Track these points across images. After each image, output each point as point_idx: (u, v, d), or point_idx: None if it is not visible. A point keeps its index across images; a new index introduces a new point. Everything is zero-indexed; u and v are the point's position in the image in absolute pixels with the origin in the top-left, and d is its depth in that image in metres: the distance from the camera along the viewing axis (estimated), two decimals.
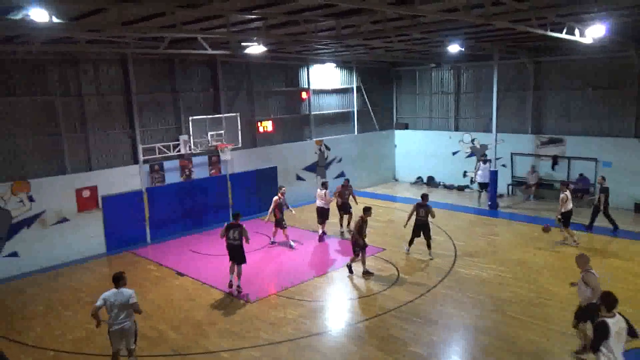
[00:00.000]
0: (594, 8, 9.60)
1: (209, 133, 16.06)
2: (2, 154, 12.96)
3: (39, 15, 7.76)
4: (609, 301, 6.11)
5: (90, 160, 14.50)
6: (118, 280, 7.97)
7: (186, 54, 15.41)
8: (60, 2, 7.77)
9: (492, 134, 18.80)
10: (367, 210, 12.15)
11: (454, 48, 15.05)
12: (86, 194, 14.31)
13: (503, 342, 8.82)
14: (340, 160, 21.84)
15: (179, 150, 15.98)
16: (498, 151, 19.05)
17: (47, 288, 12.15)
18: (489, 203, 18.56)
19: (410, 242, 13.54)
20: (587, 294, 7.88)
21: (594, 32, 11.40)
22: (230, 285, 11.43)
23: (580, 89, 18.55)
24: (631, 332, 6.14)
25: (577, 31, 11.91)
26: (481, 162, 19.73)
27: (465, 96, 22.10)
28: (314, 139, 20.76)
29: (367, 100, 22.83)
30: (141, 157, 15.33)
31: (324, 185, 15.72)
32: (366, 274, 12.10)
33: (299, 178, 20.02)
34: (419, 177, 23.61)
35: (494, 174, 18.61)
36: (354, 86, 22.25)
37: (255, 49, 13.34)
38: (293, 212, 14.90)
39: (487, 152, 20.76)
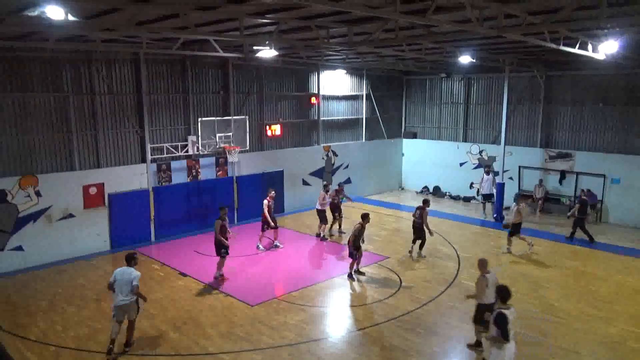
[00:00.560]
0: (608, 24, 9.56)
1: (218, 135, 16.13)
2: (13, 148, 13.07)
3: (55, 12, 7.83)
4: (503, 295, 7.05)
5: (98, 157, 14.59)
6: (129, 259, 8.79)
7: (198, 55, 15.51)
8: (77, 0, 7.84)
9: (501, 146, 18.75)
10: (365, 217, 12.36)
11: (465, 59, 15.03)
12: (93, 191, 14.39)
13: None
14: (347, 167, 21.85)
15: (187, 151, 16.06)
16: (506, 164, 18.99)
17: (51, 283, 12.20)
18: (495, 215, 18.47)
19: (414, 241, 14.05)
20: (482, 295, 8.67)
21: (607, 48, 11.35)
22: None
23: (592, 105, 18.47)
24: None
25: (590, 46, 11.88)
26: (485, 174, 19.69)
27: (474, 107, 22.06)
28: (322, 145, 20.77)
29: (376, 107, 22.84)
30: (149, 156, 15.41)
31: (325, 188, 15.96)
32: (358, 272, 12.49)
33: (305, 183, 20.03)
34: (425, 187, 23.56)
35: (500, 186, 18.53)
36: (364, 93, 22.27)
37: (267, 52, 13.37)
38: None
39: (494, 164, 20.69)
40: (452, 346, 9.26)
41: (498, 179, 19.08)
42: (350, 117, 22.02)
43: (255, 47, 14.18)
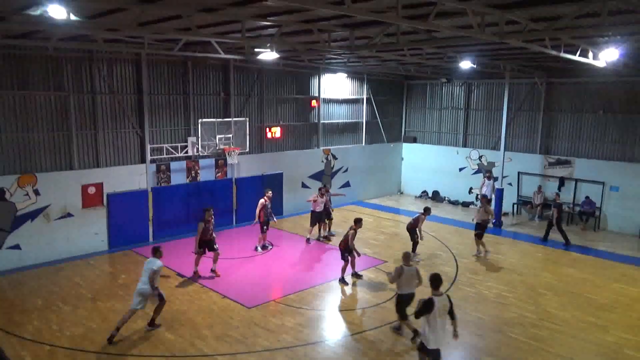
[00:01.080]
0: (609, 32, 9.59)
1: (218, 136, 16.14)
2: (13, 146, 13.06)
3: (57, 12, 7.84)
4: (435, 282, 7.41)
5: (98, 157, 14.58)
6: (154, 251, 9.77)
7: (200, 57, 15.51)
8: (82, 0, 7.85)
9: (500, 152, 18.77)
10: (358, 222, 12.41)
11: (466, 64, 15.07)
12: (92, 190, 14.37)
13: None
14: (346, 170, 21.85)
15: (186, 152, 16.05)
16: (505, 169, 19.00)
17: (47, 282, 12.17)
18: (494, 221, 18.45)
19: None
20: (398, 285, 9.49)
21: (608, 55, 11.38)
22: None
23: (592, 112, 18.50)
24: (450, 313, 7.43)
25: (590, 54, 11.91)
26: (486, 179, 19.71)
27: (475, 113, 22.09)
28: (322, 148, 20.78)
29: (376, 111, 22.87)
30: (149, 157, 15.40)
31: (320, 190, 16.07)
32: (355, 275, 12.62)
33: (304, 185, 20.02)
34: (424, 191, 23.56)
35: (499, 192, 18.54)
36: (364, 97, 22.30)
37: (268, 55, 13.37)
38: (275, 221, 15.07)
39: (494, 169, 20.72)
40: (450, 351, 9.23)
41: (497, 185, 19.10)
42: (350, 120, 22.04)
43: (256, 50, 14.20)
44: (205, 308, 10.79)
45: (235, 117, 17.05)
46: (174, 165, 16.10)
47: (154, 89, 15.51)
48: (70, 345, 9.08)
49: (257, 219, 14.52)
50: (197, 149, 15.99)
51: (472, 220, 15.26)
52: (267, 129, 18.59)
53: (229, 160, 16.69)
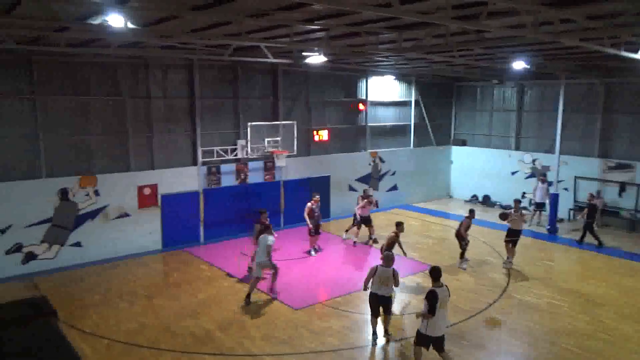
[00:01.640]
0: None
1: (266, 139, 16.41)
2: (75, 149, 13.81)
3: (116, 20, 8.25)
4: (434, 274, 7.95)
5: (153, 159, 15.16)
6: (266, 229, 11.43)
7: (249, 61, 15.86)
8: (138, 9, 8.22)
9: (555, 156, 18.05)
10: (398, 225, 12.30)
11: (518, 65, 14.60)
12: (147, 191, 14.96)
13: None
14: (394, 174, 21.66)
15: (236, 155, 16.42)
16: (561, 174, 18.26)
17: (105, 278, 12.76)
18: (548, 227, 17.78)
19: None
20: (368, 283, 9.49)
21: None
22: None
23: None
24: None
25: None
26: (540, 182, 19.02)
27: (528, 115, 21.37)
28: (369, 151, 20.71)
29: (425, 114, 22.55)
30: (200, 159, 15.87)
31: (365, 192, 16.33)
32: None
33: (351, 189, 20.00)
34: (474, 195, 22.99)
35: (554, 197, 17.82)
36: (412, 99, 22.05)
37: (316, 59, 13.52)
38: (320, 224, 15.01)
39: (548, 173, 19.96)
40: None
41: (552, 190, 18.37)
42: (398, 123, 21.84)
43: (304, 53, 14.36)
44: (253, 308, 10.98)
45: (283, 121, 17.28)
46: (224, 167, 16.51)
47: (205, 93, 15.98)
48: (126, 340, 9.49)
49: (308, 224, 14.56)
50: (246, 151, 16.33)
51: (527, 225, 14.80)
52: (315, 132, 18.73)
53: (277, 163, 16.92)
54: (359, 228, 15.90)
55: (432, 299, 7.76)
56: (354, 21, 9.65)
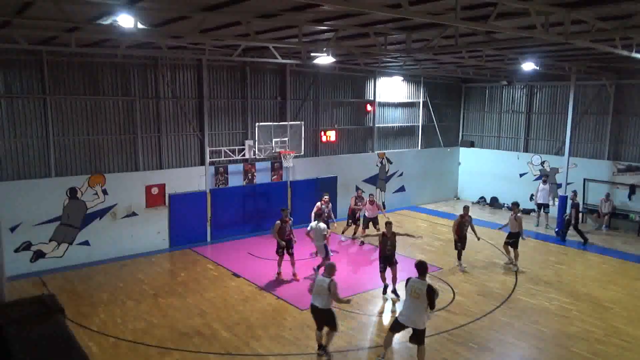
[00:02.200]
0: None
1: (274, 139, 16.42)
2: (84, 148, 13.89)
3: (126, 21, 8.29)
4: (419, 268, 8.17)
5: (161, 159, 15.22)
6: (317, 216, 13.59)
7: (257, 62, 15.89)
8: (148, 9, 8.25)
9: (565, 158, 17.91)
10: (387, 225, 11.80)
11: (528, 66, 14.50)
12: (155, 191, 15.02)
13: None
14: (401, 175, 21.60)
15: (243, 155, 16.45)
16: (570, 176, 18.10)
17: (113, 277, 12.82)
18: (557, 230, 17.63)
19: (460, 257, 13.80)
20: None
21: None
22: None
23: None
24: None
25: None
26: (541, 182, 18.91)
27: (537, 116, 21.23)
28: (377, 152, 20.67)
29: (433, 115, 22.47)
30: (208, 159, 15.91)
31: (369, 197, 16.38)
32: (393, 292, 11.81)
33: (358, 189, 19.92)
34: (482, 197, 22.88)
35: (563, 200, 17.67)
36: (421, 100, 21.98)
37: (324, 59, 13.51)
38: (335, 225, 14.98)
39: (557, 175, 19.85)
40: None
41: (561, 192, 18.22)
42: (406, 124, 21.78)
43: (312, 54, 14.36)
44: (260, 309, 10.98)
45: (291, 121, 17.29)
46: (231, 167, 16.54)
47: (214, 94, 16.02)
48: (133, 339, 9.52)
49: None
50: (254, 152, 16.35)
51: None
52: (322, 133, 18.72)
53: (285, 164, 16.94)
54: (364, 228, 15.91)
55: (431, 292, 7.96)
56: (363, 22, 9.63)
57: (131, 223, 14.67)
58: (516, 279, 13.03)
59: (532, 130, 21.42)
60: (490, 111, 22.86)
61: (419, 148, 22.32)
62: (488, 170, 22.62)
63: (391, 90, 20.90)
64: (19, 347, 6.88)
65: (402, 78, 21.03)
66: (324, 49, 12.77)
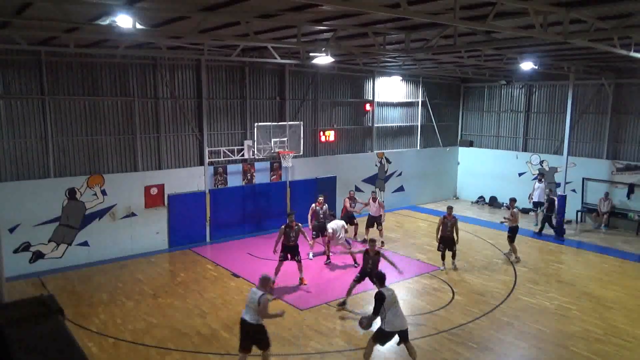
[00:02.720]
0: None
1: (273, 140, 16.40)
2: (83, 149, 13.87)
3: (124, 21, 8.27)
4: (381, 280, 8.50)
5: (160, 159, 15.21)
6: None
7: (256, 62, 15.89)
8: (146, 10, 8.24)
9: (563, 157, 17.93)
10: (370, 242, 11.18)
11: (527, 65, 14.53)
12: (154, 191, 15.00)
13: None
14: (400, 174, 21.60)
15: (242, 155, 16.45)
16: (569, 175, 18.13)
17: (112, 278, 12.81)
18: (556, 229, 17.63)
19: (453, 255, 13.61)
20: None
21: None
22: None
23: None
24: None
25: None
26: (537, 181, 18.93)
27: (536, 116, 21.24)
28: (376, 151, 20.67)
29: (432, 115, 22.48)
30: (207, 160, 15.90)
31: (372, 195, 16.24)
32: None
33: (357, 189, 19.95)
34: (481, 197, 22.89)
35: (562, 200, 17.69)
36: (420, 100, 21.99)
37: (323, 59, 13.52)
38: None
39: (556, 175, 19.87)
40: None
41: (559, 191, 18.25)
42: (405, 124, 21.79)
43: (311, 54, 14.36)
44: None
45: (290, 121, 17.29)
46: (230, 167, 16.53)
47: (213, 94, 16.01)
48: (133, 339, 9.51)
49: (309, 225, 14.54)
50: (253, 152, 16.35)
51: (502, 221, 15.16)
52: (321, 133, 18.72)
53: (284, 164, 16.93)
54: (369, 227, 15.93)
55: (378, 300, 8.20)
56: (362, 22, 9.64)
57: (130, 223, 14.65)
58: (515, 278, 13.03)
59: (531, 130, 21.44)
60: (489, 111, 22.87)
61: (418, 148, 22.32)
62: (487, 170, 22.63)
63: (390, 90, 20.90)
64: (18, 348, 6.85)
65: (401, 78, 21.03)
66: (323, 49, 12.78)
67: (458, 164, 23.99)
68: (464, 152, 23.78)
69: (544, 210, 17.34)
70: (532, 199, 19.12)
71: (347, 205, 16.04)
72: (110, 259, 14.11)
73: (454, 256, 13.59)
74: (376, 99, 20.39)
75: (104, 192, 14.15)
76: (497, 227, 17.90)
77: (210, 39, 11.22)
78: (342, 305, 11.10)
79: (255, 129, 16.22)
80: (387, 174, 21.20)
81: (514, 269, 13.72)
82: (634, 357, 9.07)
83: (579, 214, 19.45)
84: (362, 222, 16.43)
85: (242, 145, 16.48)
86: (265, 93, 17.23)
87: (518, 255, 14.47)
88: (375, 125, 20.56)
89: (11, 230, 12.79)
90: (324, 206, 14.66)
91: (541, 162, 20.88)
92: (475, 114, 23.47)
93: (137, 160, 14.78)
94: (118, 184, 14.34)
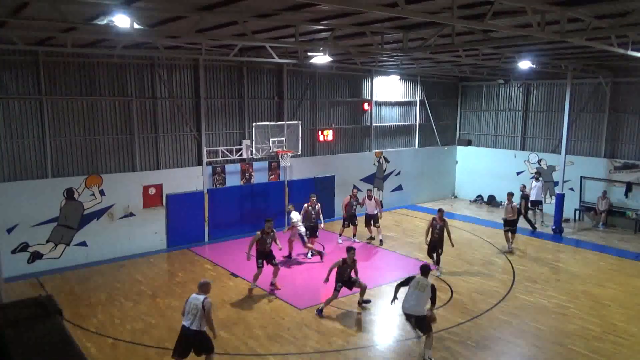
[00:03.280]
0: None
1: (271, 139, 16.41)
2: (81, 149, 13.84)
3: (122, 21, 8.26)
4: (424, 270, 9.04)
5: (158, 159, 15.19)
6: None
7: (254, 61, 15.87)
8: (144, 9, 8.22)
9: (561, 156, 17.97)
10: (348, 250, 10.87)
11: (524, 64, 14.54)
12: (152, 191, 14.99)
13: None
14: (398, 174, 21.61)
15: (241, 155, 16.44)
16: (567, 174, 18.16)
17: (110, 278, 12.79)
18: (554, 227, 17.68)
19: (437, 260, 13.12)
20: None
21: None
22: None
23: None
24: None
25: None
26: (534, 180, 18.98)
27: (534, 114, 21.27)
28: (374, 151, 20.68)
29: (430, 114, 22.49)
30: (205, 159, 15.89)
31: (368, 193, 16.52)
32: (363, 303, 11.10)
33: (355, 189, 19.93)
34: (479, 196, 22.92)
35: (560, 198, 17.74)
36: (418, 99, 22.00)
37: (321, 59, 13.51)
38: (322, 225, 14.79)
39: (554, 173, 19.91)
40: None
41: (557, 190, 18.30)
42: (403, 123, 21.80)
43: (309, 53, 14.35)
44: (258, 308, 10.99)
45: (288, 121, 17.28)
46: (229, 167, 16.52)
47: (211, 94, 15.99)
48: (131, 339, 9.50)
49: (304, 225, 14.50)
50: (251, 151, 16.34)
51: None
52: (320, 132, 18.72)
53: (282, 163, 16.93)
54: (366, 226, 16.01)
55: (408, 278, 9.03)
56: (360, 21, 9.64)
57: (128, 223, 14.64)
58: (513, 277, 13.05)
59: (529, 129, 21.47)
60: (487, 110, 22.90)
61: (416, 147, 22.34)
62: (485, 169, 22.66)
63: (388, 89, 20.91)
64: (16, 349, 6.84)
65: (399, 77, 21.04)
66: (321, 49, 12.78)
67: (456, 163, 24.01)
68: (462, 151, 23.80)
69: (520, 207, 16.89)
70: (529, 197, 19.13)
71: (346, 202, 15.95)
72: (108, 259, 14.09)
73: (438, 261, 13.04)
74: (374, 98, 20.39)
75: (102, 192, 14.13)
76: (496, 226, 17.93)
77: (208, 38, 11.21)
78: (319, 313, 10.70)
79: (254, 128, 16.22)
80: (386, 173, 21.21)
81: (512, 268, 13.74)
82: (632, 355, 9.09)
83: (577, 212, 19.49)
84: (360, 221, 16.41)
85: (241, 145, 16.48)
86: (263, 93, 17.22)
87: (512, 246, 15.22)
88: (374, 124, 20.56)
89: (9, 230, 12.78)
90: (317, 206, 14.62)
91: (539, 161, 20.91)
92: (473, 113, 23.49)
93: (135, 160, 14.75)
94: (116, 184, 14.32)
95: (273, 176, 17.64)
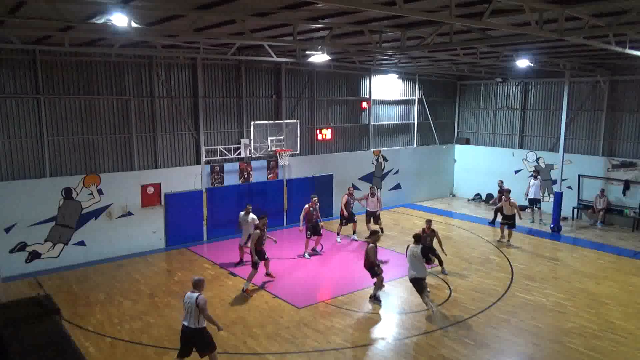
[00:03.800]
0: None
1: (269, 138, 16.41)
2: (79, 148, 13.82)
3: (120, 20, 8.24)
4: (416, 238, 10.56)
5: (156, 158, 15.17)
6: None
7: (253, 60, 15.86)
8: (142, 8, 8.21)
9: (559, 154, 17.99)
10: (373, 234, 11.23)
11: (523, 63, 14.55)
12: (150, 190, 14.97)
13: None
14: (397, 172, 21.63)
15: (239, 154, 16.43)
16: (565, 172, 18.19)
17: (109, 277, 12.78)
18: (552, 225, 17.72)
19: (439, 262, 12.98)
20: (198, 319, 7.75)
21: None
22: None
23: None
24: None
25: None
26: (532, 178, 19.02)
27: (532, 113, 21.30)
28: (372, 149, 20.68)
29: (428, 112, 22.51)
30: (203, 158, 15.88)
31: (371, 191, 16.61)
32: (374, 298, 11.30)
33: (354, 187, 19.90)
34: (478, 194, 22.94)
35: (558, 196, 17.77)
36: (416, 98, 22.01)
37: (319, 57, 13.50)
38: (322, 223, 14.73)
39: (552, 172, 19.94)
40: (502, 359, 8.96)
41: (556, 188, 18.33)
42: (401, 122, 21.81)
43: (307, 52, 14.34)
44: (256, 307, 10.98)
45: (286, 120, 17.28)
46: (227, 166, 16.51)
47: (209, 93, 15.98)
48: (130, 339, 9.50)
49: (301, 225, 14.50)
50: (250, 150, 16.34)
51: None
52: (318, 131, 18.72)
53: (280, 162, 16.93)
54: (367, 224, 16.02)
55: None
56: (358, 20, 9.64)
57: (127, 223, 14.62)
58: (512, 275, 13.08)
59: (527, 127, 21.50)
60: (485, 108, 22.92)
61: (415, 145, 22.35)
62: (483, 167, 22.68)
63: (386, 88, 20.91)
64: (15, 348, 6.84)
65: (397, 76, 21.04)
66: (319, 47, 12.77)
67: (454, 161, 24.03)
68: (460, 150, 23.82)
69: (495, 202, 18.26)
70: (528, 196, 19.18)
71: (344, 201, 15.99)
72: (107, 259, 14.08)
73: (440, 263, 12.90)
74: (372, 97, 20.39)
75: (100, 192, 14.11)
76: (494, 225, 17.96)
77: (206, 37, 11.20)
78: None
79: (252, 127, 16.21)
80: (384, 171, 21.22)
81: (511, 266, 13.77)
82: (630, 353, 9.12)
83: (575, 210, 19.52)
84: (360, 220, 16.43)
85: (239, 143, 16.47)
86: (261, 91, 17.21)
87: (509, 239, 15.72)
88: (372, 123, 20.56)
89: (7, 230, 12.75)
90: (317, 206, 14.63)
91: (537, 160, 20.94)
92: (471, 112, 23.51)
93: (134, 159, 14.73)
94: (114, 183, 14.30)
95: (271, 175, 17.64)
